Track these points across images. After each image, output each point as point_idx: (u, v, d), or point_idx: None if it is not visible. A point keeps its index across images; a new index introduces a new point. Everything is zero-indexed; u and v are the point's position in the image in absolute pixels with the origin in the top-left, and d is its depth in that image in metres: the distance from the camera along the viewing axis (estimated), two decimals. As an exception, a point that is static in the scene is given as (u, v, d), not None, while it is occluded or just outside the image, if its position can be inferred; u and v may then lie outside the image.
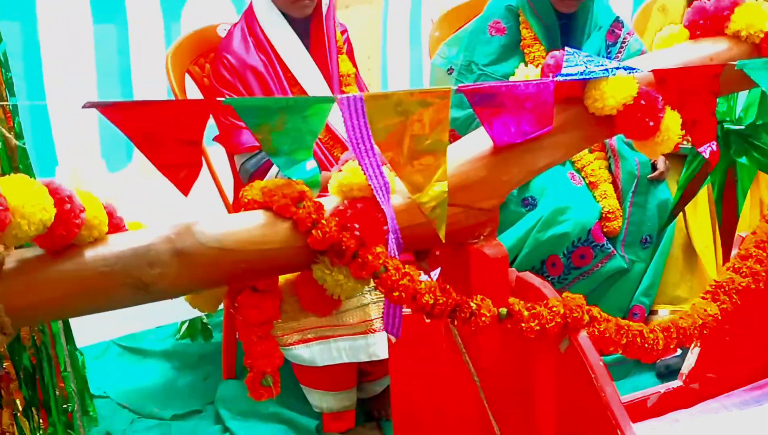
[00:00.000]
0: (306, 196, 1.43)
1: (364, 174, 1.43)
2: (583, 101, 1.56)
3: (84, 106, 1.27)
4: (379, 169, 1.43)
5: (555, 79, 1.50)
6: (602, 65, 1.53)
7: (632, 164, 3.06)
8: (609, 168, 3.09)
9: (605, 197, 3.02)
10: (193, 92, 2.91)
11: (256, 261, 1.41)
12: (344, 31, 2.94)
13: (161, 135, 1.36)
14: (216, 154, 2.91)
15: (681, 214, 3.02)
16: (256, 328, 1.51)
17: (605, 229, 3.01)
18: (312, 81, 2.77)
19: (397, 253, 1.45)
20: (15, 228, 1.23)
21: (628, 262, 3.03)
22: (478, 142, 1.54)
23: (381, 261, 1.42)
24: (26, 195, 1.24)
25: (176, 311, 3.04)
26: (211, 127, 2.72)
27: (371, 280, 1.43)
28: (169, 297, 1.41)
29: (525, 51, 3.07)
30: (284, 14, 2.77)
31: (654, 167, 3.07)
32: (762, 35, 1.66)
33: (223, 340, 3.02)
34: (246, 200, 1.47)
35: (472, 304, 1.47)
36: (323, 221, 1.41)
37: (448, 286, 1.46)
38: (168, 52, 2.88)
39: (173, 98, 2.86)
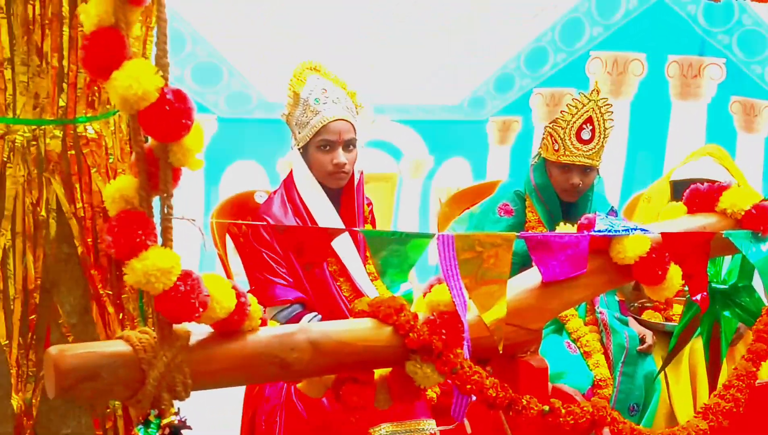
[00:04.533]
0: (405, 308, 2.12)
1: (450, 294, 2.13)
2: (608, 252, 2.30)
3: (263, 226, 1.98)
4: (462, 290, 2.14)
5: (591, 233, 2.25)
6: (625, 226, 2.28)
7: (622, 337, 3.78)
8: (601, 340, 3.81)
9: (597, 366, 3.73)
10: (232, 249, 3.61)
11: (364, 354, 2.08)
12: (370, 204, 3.67)
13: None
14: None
15: (665, 387, 3.74)
16: (355, 411, 2.18)
17: (597, 396, 3.70)
18: (342, 244, 3.49)
19: (468, 357, 2.14)
20: (211, 311, 1.90)
21: (618, 427, 3.71)
22: (530, 277, 2.26)
23: (459, 360, 2.10)
24: (220, 288, 1.91)
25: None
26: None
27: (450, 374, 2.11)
28: (303, 377, 2.08)
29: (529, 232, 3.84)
30: (321, 184, 3.50)
31: (642, 341, 3.81)
32: (743, 213, 2.44)
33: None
34: (356, 310, 2.16)
35: (523, 400, 2.15)
36: (418, 327, 2.10)
37: (506, 385, 2.14)
38: (212, 213, 3.60)
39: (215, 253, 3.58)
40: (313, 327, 2.07)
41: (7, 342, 2.06)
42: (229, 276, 3.54)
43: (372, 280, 3.48)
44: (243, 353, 1.98)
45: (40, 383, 2.09)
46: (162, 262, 1.80)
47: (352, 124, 3.44)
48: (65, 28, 2.00)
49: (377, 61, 4.49)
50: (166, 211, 1.85)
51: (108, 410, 2.20)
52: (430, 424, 3.39)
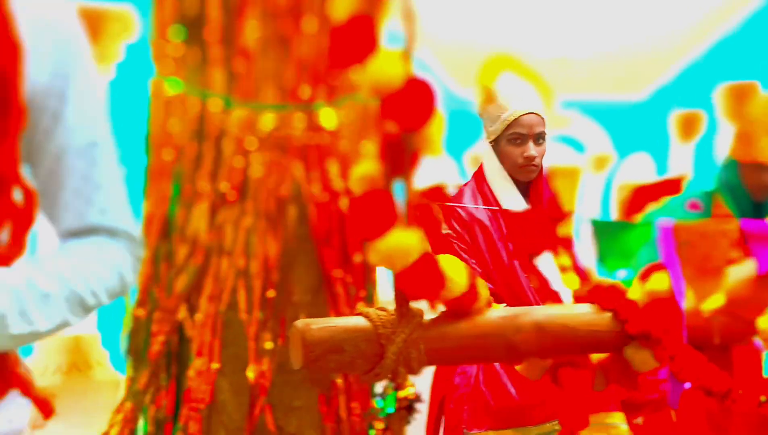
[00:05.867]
0: (625, 294, 2.23)
1: (669, 281, 2.23)
2: (824, 246, 2.37)
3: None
4: (681, 278, 2.24)
5: (809, 226, 2.32)
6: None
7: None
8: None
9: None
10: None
11: (585, 338, 2.20)
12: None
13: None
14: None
15: None
16: (572, 395, 2.30)
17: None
18: (533, 235, 3.61)
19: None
20: (447, 290, 2.05)
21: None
22: (747, 269, 2.35)
23: (677, 347, 2.21)
24: (455, 268, 2.06)
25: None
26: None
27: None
28: (526, 358, 2.21)
29: (715, 230, 3.90)
30: (511, 177, 3.62)
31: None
32: None
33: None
34: (577, 295, 2.28)
35: (740, 390, 2.24)
36: (637, 313, 2.21)
37: (725, 373, 2.23)
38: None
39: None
40: (537, 310, 2.19)
41: (247, 317, 2.24)
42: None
43: (561, 273, 3.59)
44: (473, 333, 2.12)
45: (275, 357, 2.26)
46: (404, 242, 1.95)
47: (543, 118, 3.56)
48: (310, 15, 2.17)
49: (565, 54, 4.60)
50: (407, 194, 2.00)
51: (332, 384, 2.36)
52: (619, 418, 3.49)
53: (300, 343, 1.99)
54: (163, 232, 2.28)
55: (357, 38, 1.91)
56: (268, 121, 2.19)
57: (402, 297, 2.03)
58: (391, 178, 1.99)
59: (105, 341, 5.30)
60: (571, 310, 2.23)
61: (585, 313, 2.23)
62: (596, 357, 2.32)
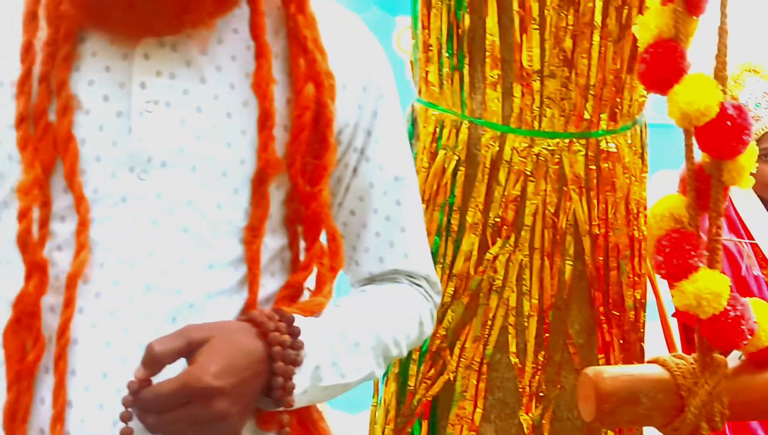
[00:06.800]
0: None
1: None
2: None
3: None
4: None
5: None
6: None
7: None
8: None
9: None
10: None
11: None
12: (812, 222, 3.56)
13: None
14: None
15: None
16: None
17: None
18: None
19: None
20: (757, 338, 1.87)
21: None
22: None
23: None
24: (764, 314, 1.88)
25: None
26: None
27: None
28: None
29: None
30: (760, 197, 3.42)
31: None
32: None
33: None
34: None
35: None
36: None
37: None
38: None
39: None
40: None
41: (517, 360, 2.10)
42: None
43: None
44: (779, 384, 1.95)
45: (550, 404, 2.12)
46: (713, 285, 1.79)
47: None
48: (595, 37, 2.02)
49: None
50: (714, 231, 1.84)
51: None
52: None
53: (593, 392, 1.84)
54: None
55: (664, 63, 1.76)
56: (547, 148, 2.06)
57: (706, 345, 1.86)
58: (696, 212, 1.83)
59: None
60: None
61: None
62: None
